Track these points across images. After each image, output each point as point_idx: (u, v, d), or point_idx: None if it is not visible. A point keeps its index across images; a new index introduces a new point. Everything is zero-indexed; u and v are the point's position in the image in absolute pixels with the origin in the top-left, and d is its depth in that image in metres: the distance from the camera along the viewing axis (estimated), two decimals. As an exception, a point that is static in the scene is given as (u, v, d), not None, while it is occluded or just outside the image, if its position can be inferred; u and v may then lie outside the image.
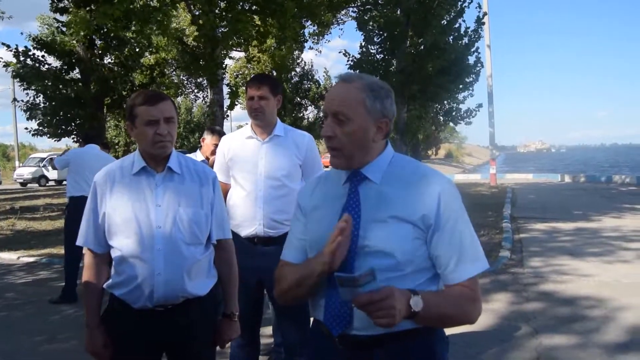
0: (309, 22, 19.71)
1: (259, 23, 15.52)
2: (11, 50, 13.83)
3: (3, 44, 13.89)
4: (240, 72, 29.04)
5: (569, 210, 13.31)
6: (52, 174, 31.90)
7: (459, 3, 18.31)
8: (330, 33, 25.69)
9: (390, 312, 1.43)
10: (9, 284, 7.08)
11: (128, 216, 2.19)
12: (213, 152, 4.63)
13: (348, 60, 18.76)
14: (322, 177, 1.84)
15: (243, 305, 2.60)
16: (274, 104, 3.26)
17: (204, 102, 34.70)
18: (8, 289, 6.74)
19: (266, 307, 3.89)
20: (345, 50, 19.03)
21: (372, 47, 18.98)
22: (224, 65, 16.30)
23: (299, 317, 3.12)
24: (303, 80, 32.52)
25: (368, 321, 1.47)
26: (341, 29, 50.87)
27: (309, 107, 33.33)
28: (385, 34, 18.25)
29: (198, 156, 4.83)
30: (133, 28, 13.36)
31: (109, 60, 15.18)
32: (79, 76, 14.67)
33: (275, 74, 21.14)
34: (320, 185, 1.81)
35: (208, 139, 4.91)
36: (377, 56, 19.04)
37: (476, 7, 19.29)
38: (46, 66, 14.35)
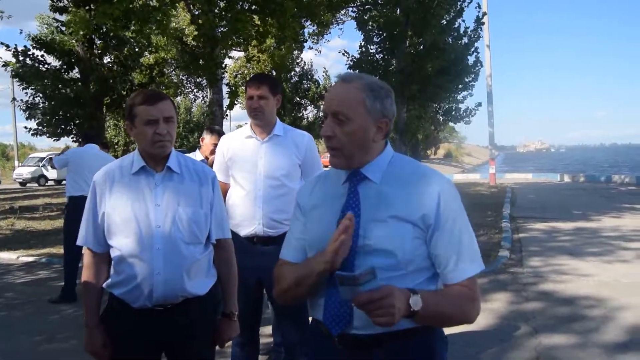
0: (309, 22, 19.71)
1: (259, 23, 15.51)
2: (10, 50, 13.82)
3: (2, 43, 13.87)
4: (240, 72, 29.04)
5: (569, 210, 13.32)
6: (51, 174, 31.92)
7: (459, 3, 18.31)
8: (330, 33, 25.68)
9: (390, 311, 1.43)
10: (8, 283, 7.08)
11: (127, 216, 2.19)
12: (212, 152, 4.63)
13: (347, 60, 18.78)
14: (322, 176, 1.84)
15: (242, 304, 2.60)
16: (274, 103, 3.27)
17: (203, 101, 34.69)
18: (7, 289, 6.74)
19: (265, 306, 3.89)
20: (344, 50, 19.06)
21: (372, 47, 18.98)
22: (223, 65, 16.30)
23: (299, 317, 3.12)
24: (302, 80, 32.49)
25: (367, 320, 1.47)
26: (341, 29, 50.79)
27: (309, 107, 33.31)
28: (384, 34, 18.24)
29: (197, 156, 4.83)
30: (132, 28, 13.35)
31: (109, 59, 15.17)
32: (79, 76, 14.65)
33: (274, 73, 21.14)
34: (319, 185, 1.81)
35: (207, 139, 4.91)
36: (377, 56, 19.04)
37: (476, 7, 19.33)
38: (45, 66, 14.33)
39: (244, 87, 3.99)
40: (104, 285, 2.29)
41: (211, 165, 3.53)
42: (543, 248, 8.54)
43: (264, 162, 3.23)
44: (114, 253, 2.23)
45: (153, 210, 2.19)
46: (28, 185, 31.84)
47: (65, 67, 14.53)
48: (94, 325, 2.26)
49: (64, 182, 8.31)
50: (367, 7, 19.53)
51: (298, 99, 32.03)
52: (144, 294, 2.17)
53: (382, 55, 19.01)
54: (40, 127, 14.52)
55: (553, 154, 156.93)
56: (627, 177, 24.32)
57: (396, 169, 1.68)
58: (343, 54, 18.97)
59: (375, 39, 18.76)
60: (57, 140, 15.12)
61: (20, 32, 26.01)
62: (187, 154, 3.53)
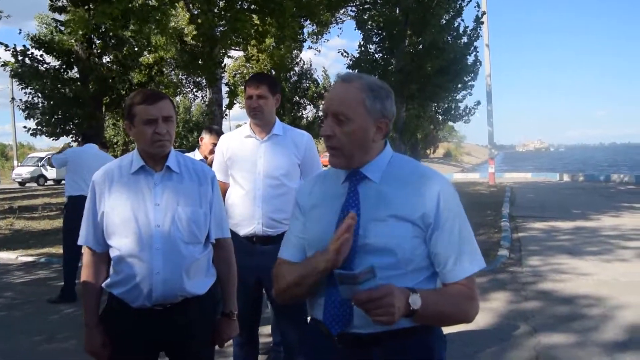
0: (308, 22, 19.69)
1: (258, 22, 15.50)
2: (9, 50, 13.81)
3: (1, 43, 13.86)
4: (239, 71, 29.02)
5: (568, 209, 13.32)
6: (50, 174, 31.90)
7: (458, 2, 18.31)
8: (329, 32, 25.70)
9: (390, 310, 1.43)
10: (7, 283, 7.08)
11: (127, 215, 2.19)
12: (211, 151, 4.64)
13: (347, 60, 18.76)
14: (321, 176, 1.84)
15: (242, 304, 2.61)
16: (273, 103, 3.27)
17: (202, 101, 34.66)
18: (7, 289, 6.74)
19: (265, 306, 3.90)
20: (344, 49, 19.04)
21: (371, 47, 18.95)
22: (222, 65, 16.29)
23: (298, 316, 3.12)
24: (302, 79, 32.47)
25: (367, 319, 1.48)
26: (340, 28, 50.87)
27: (308, 107, 33.29)
28: (384, 33, 18.22)
29: (196, 155, 4.83)
30: (132, 27, 13.34)
31: (108, 59, 15.15)
32: (78, 75, 14.64)
33: (274, 73, 21.13)
34: (318, 184, 1.81)
35: (206, 138, 4.92)
36: (376, 55, 19.02)
37: (475, 7, 19.32)
38: (44, 65, 14.32)
39: (243, 87, 3.99)
40: (103, 284, 2.29)
41: (210, 165, 3.53)
42: (542, 247, 8.55)
43: (263, 162, 3.23)
44: (113, 253, 2.23)
45: (152, 210, 2.19)
46: (27, 185, 31.83)
47: (64, 66, 14.52)
48: (93, 325, 2.26)
49: (63, 181, 8.29)
50: (366, 6, 19.50)
51: (297, 98, 32.01)
52: (143, 294, 2.17)
53: (381, 55, 18.98)
54: (39, 127, 14.51)
55: (552, 153, 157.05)
56: (627, 177, 24.35)
57: (395, 168, 1.69)
58: (342, 53, 18.96)
59: (374, 39, 18.73)
60: (56, 139, 15.13)
61: (19, 32, 26.03)
62: (187, 154, 3.53)
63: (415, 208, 1.60)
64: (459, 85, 20.33)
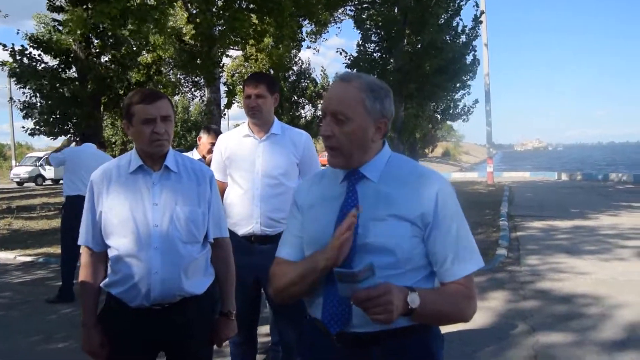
0: (307, 21, 19.68)
1: (256, 22, 15.49)
2: (7, 50, 13.79)
3: (-1, 43, 13.86)
4: (238, 71, 28.99)
5: (566, 208, 13.34)
6: (48, 173, 31.84)
7: (456, 1, 18.33)
8: (328, 32, 25.68)
9: (388, 308, 1.43)
10: (5, 283, 7.07)
11: (125, 215, 2.18)
12: (209, 151, 4.64)
13: (345, 59, 18.77)
14: (319, 175, 1.84)
15: (240, 303, 2.61)
16: (271, 102, 3.27)
17: (201, 100, 34.63)
18: (5, 289, 6.73)
19: (263, 305, 3.90)
20: (342, 49, 19.03)
21: (370, 46, 18.97)
22: (221, 64, 16.28)
23: (296, 316, 3.11)
24: (300, 78, 32.46)
25: (366, 318, 1.48)
26: (339, 27, 50.94)
27: (306, 106, 33.29)
28: (382, 33, 18.23)
29: (195, 155, 4.83)
30: (130, 27, 13.32)
31: (106, 58, 15.14)
32: (76, 75, 14.63)
33: (272, 72, 21.12)
34: (317, 184, 1.81)
35: (204, 138, 4.92)
36: (375, 55, 19.03)
37: (473, 6, 19.32)
38: (43, 65, 14.31)
39: (241, 86, 3.99)
40: (101, 284, 2.29)
41: (208, 164, 3.53)
42: (540, 246, 8.56)
43: (261, 161, 3.23)
44: (111, 252, 2.23)
45: (150, 210, 2.19)
46: (25, 184, 31.77)
47: (62, 66, 14.52)
48: (91, 325, 2.26)
49: (61, 181, 8.31)
50: (364, 5, 19.52)
51: (296, 97, 32.01)
52: (142, 293, 2.17)
53: (380, 54, 19.00)
54: (37, 127, 14.50)
55: (551, 153, 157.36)
56: (625, 176, 24.39)
57: (394, 168, 1.69)
58: (341, 53, 18.97)
59: (373, 38, 18.75)
60: (55, 139, 15.11)
61: (18, 32, 25.95)
62: (185, 153, 3.53)
63: (414, 207, 1.60)
64: (458, 85, 20.37)
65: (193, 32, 14.86)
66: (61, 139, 15.25)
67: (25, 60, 14.01)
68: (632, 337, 4.56)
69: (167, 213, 2.20)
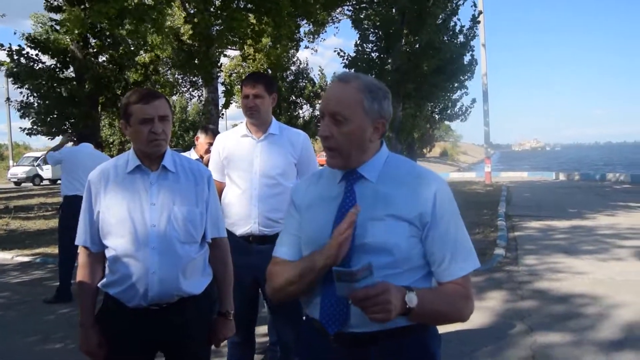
0: (304, 21, 19.68)
1: (254, 21, 15.48)
2: (5, 50, 13.75)
3: (-3, 43, 13.81)
4: (235, 71, 28.97)
5: (564, 208, 13.36)
6: (46, 173, 31.79)
7: (454, 1, 18.34)
8: (326, 32, 25.66)
9: (387, 307, 1.43)
10: (3, 283, 7.05)
11: (122, 215, 2.18)
12: (207, 151, 4.63)
13: (343, 59, 18.77)
14: (316, 175, 1.84)
15: (238, 303, 2.60)
16: (269, 102, 3.27)
17: (199, 100, 34.61)
18: (2, 289, 6.71)
19: (261, 305, 3.89)
20: (340, 49, 19.03)
21: (368, 46, 18.98)
22: (219, 64, 16.26)
23: (294, 315, 3.12)
24: (298, 78, 32.47)
25: (364, 318, 1.48)
26: (336, 27, 50.86)
27: (304, 106, 33.29)
28: (380, 33, 18.25)
29: (192, 155, 4.83)
30: (128, 27, 13.30)
31: (104, 58, 15.11)
32: (73, 75, 14.59)
33: (270, 72, 21.12)
34: (314, 183, 1.81)
35: (202, 138, 4.91)
36: (373, 55, 19.04)
37: (471, 6, 19.35)
38: (40, 65, 14.27)
39: (239, 86, 3.99)
40: (99, 284, 2.29)
41: (206, 165, 3.53)
42: (538, 246, 8.57)
43: (259, 161, 3.23)
44: (109, 252, 2.22)
45: (148, 210, 2.18)
46: (23, 184, 31.73)
47: (60, 66, 14.47)
48: (89, 325, 2.25)
49: (59, 181, 8.31)
50: (362, 5, 19.52)
51: (294, 97, 32.01)
52: (139, 294, 2.17)
53: (377, 54, 19.01)
54: (35, 127, 14.46)
55: (548, 153, 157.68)
56: (622, 176, 24.44)
57: (392, 168, 1.69)
58: (338, 53, 18.97)
59: (371, 38, 18.77)
60: (52, 139, 15.07)
61: (15, 33, 25.94)
62: (182, 153, 3.53)
63: (412, 208, 1.60)
64: (455, 85, 20.39)
65: (191, 32, 14.85)
66: (59, 139, 15.23)
67: (22, 60, 13.97)
68: (629, 337, 4.56)
69: (165, 213, 2.19)
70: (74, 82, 14.36)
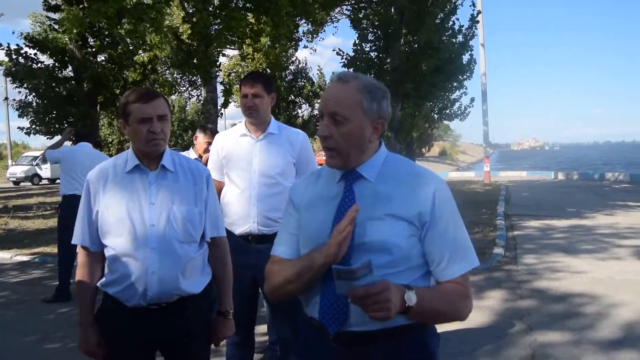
0: (303, 21, 19.67)
1: (253, 21, 15.48)
2: (3, 49, 13.73)
3: (-6, 42, 13.79)
4: (234, 70, 28.97)
5: (563, 207, 13.37)
6: (45, 173, 31.75)
7: (452, 1, 18.33)
8: (324, 31, 25.64)
9: (386, 306, 1.44)
10: (2, 283, 7.04)
11: (121, 214, 2.18)
12: (206, 150, 4.63)
13: (342, 59, 18.75)
14: (315, 174, 1.84)
15: (237, 302, 2.60)
16: (268, 101, 3.26)
17: (197, 100, 34.60)
18: (1, 288, 6.70)
19: (260, 305, 3.89)
20: (339, 48, 19.01)
21: (366, 45, 18.96)
22: (217, 63, 16.26)
23: (294, 314, 3.12)
24: (297, 78, 32.48)
25: (363, 317, 1.48)
26: (335, 27, 50.99)
27: (303, 105, 33.32)
28: (379, 32, 18.24)
29: (191, 154, 4.83)
30: (126, 26, 13.29)
31: (102, 58, 15.09)
32: (72, 74, 14.57)
33: (269, 71, 21.12)
34: (313, 183, 1.81)
35: (200, 137, 4.91)
36: (371, 54, 19.03)
37: (470, 5, 19.33)
38: (38, 64, 14.24)
39: (238, 86, 3.99)
40: (98, 284, 2.29)
41: (205, 164, 3.52)
42: (537, 245, 8.58)
43: (258, 161, 3.22)
44: (108, 252, 2.22)
45: (147, 209, 2.18)
46: (22, 184, 31.69)
47: (58, 65, 14.45)
48: (88, 325, 2.25)
49: (58, 180, 8.33)
50: (361, 5, 19.51)
51: (293, 97, 32.02)
52: (139, 293, 2.16)
53: (376, 54, 19.00)
54: (33, 126, 14.44)
55: (547, 152, 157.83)
56: (621, 175, 24.45)
57: (391, 168, 1.69)
58: (337, 52, 18.95)
59: (369, 37, 18.75)
60: (51, 138, 15.04)
61: (13, 32, 25.92)
62: (181, 153, 3.52)
63: (412, 207, 1.61)
64: (454, 84, 20.39)
65: (190, 31, 14.84)
66: (58, 138, 15.20)
67: (21, 59, 13.94)
68: (628, 336, 4.57)
69: (164, 212, 2.19)
70: (73, 82, 14.33)
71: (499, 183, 22.17)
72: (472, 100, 22.41)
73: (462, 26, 18.66)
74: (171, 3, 14.88)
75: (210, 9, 14.64)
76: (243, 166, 3.24)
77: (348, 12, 21.09)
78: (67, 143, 6.72)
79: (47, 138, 14.95)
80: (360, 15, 18.78)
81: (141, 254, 2.16)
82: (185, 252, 2.22)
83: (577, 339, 4.54)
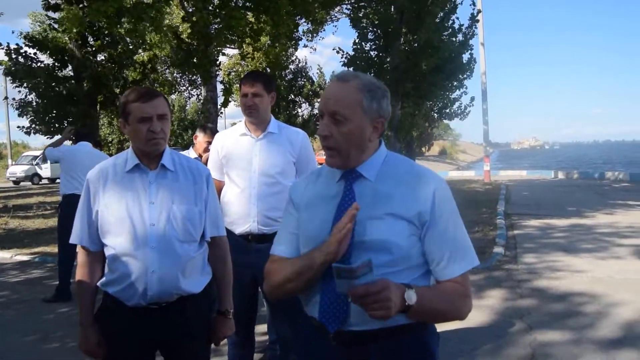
0: (303, 20, 19.66)
1: (253, 20, 15.47)
2: (3, 48, 13.72)
3: (-6, 42, 13.78)
4: (234, 69, 28.94)
5: (563, 206, 13.37)
6: (45, 172, 31.73)
7: (452, 0, 18.32)
8: (324, 30, 25.63)
9: (387, 304, 1.44)
10: (2, 282, 7.04)
11: (121, 214, 2.18)
12: (206, 150, 4.63)
13: (342, 58, 18.74)
14: (315, 173, 1.84)
15: (237, 302, 2.60)
16: (268, 101, 3.26)
17: (197, 99, 34.59)
18: (1, 288, 6.70)
19: (260, 304, 3.89)
20: (339, 47, 18.99)
21: (366, 45, 18.95)
22: (217, 63, 16.25)
23: (293, 313, 3.11)
24: (297, 77, 32.45)
25: (363, 316, 1.48)
26: (335, 26, 51.02)
27: (303, 105, 33.29)
28: (379, 31, 18.23)
29: (191, 154, 4.83)
30: (126, 25, 13.28)
31: (102, 57, 15.07)
32: (72, 73, 14.56)
33: (269, 71, 21.12)
34: (313, 182, 1.81)
35: (200, 137, 4.91)
36: (371, 53, 19.01)
37: (470, 4, 19.32)
38: (38, 63, 14.23)
39: (238, 85, 3.99)
40: (98, 283, 2.28)
41: (205, 164, 3.52)
42: (537, 245, 8.58)
43: (258, 160, 3.22)
44: (108, 251, 2.22)
45: (147, 209, 2.18)
46: (22, 183, 31.67)
47: (58, 64, 14.44)
48: (88, 324, 2.25)
49: (58, 180, 8.33)
50: (361, 4, 19.49)
51: (292, 96, 31.99)
52: (139, 292, 2.16)
53: (376, 53, 18.99)
54: (33, 125, 14.44)
55: (547, 151, 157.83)
56: (621, 174, 24.45)
57: (390, 167, 1.69)
58: (337, 51, 18.94)
59: (369, 36, 18.74)
60: (51, 138, 15.04)
61: (13, 32, 25.91)
62: (181, 152, 3.52)
63: (412, 206, 1.61)
64: (454, 84, 20.38)
65: (189, 30, 14.83)
66: (58, 138, 15.20)
67: (20, 59, 13.93)
68: (628, 335, 4.57)
69: (164, 212, 2.19)
70: (73, 81, 14.32)
71: (499, 182, 22.17)
72: (472, 99, 22.41)
73: (462, 25, 18.65)
74: (171, 2, 14.88)
75: (210, 8, 14.63)
76: (243, 165, 3.24)
77: (348, 11, 21.09)
78: (67, 142, 6.72)
79: (47, 137, 14.95)
80: (360, 15, 18.76)
81: (141, 254, 2.16)
82: (185, 251, 2.22)
83: (577, 338, 4.54)
